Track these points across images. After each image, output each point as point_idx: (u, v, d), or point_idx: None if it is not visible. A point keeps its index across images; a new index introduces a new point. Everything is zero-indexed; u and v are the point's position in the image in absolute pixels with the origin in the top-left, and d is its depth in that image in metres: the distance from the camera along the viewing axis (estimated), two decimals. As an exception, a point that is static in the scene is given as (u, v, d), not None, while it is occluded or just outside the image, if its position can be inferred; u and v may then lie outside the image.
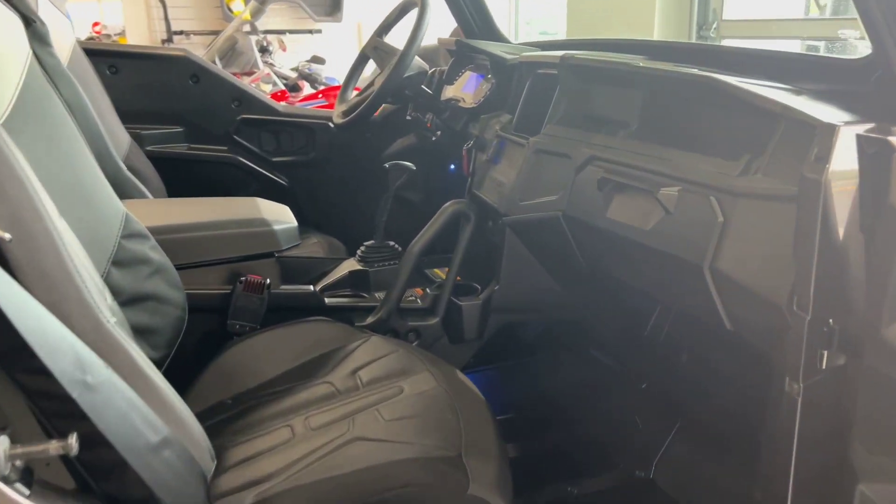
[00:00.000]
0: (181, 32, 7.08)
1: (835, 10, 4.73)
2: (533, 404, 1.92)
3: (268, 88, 4.36)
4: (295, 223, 1.52)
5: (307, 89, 5.31)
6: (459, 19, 2.34)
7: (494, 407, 1.38)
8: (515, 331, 1.97)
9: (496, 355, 1.91)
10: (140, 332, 1.25)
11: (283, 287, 1.55)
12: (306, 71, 5.48)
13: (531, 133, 1.74)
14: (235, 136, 2.34)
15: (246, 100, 2.33)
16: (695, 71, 1.33)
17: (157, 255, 1.31)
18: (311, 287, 1.61)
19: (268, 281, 1.46)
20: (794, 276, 1.04)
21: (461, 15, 2.32)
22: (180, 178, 2.24)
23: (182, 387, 1.34)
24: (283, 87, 4.45)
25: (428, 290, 1.73)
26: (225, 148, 2.34)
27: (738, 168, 1.17)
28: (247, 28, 6.12)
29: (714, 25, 4.21)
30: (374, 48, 2.16)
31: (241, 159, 2.34)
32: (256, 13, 6.12)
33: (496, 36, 2.33)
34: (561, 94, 1.62)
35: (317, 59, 6.03)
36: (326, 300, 1.61)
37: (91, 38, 7.91)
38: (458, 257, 1.65)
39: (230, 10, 7.02)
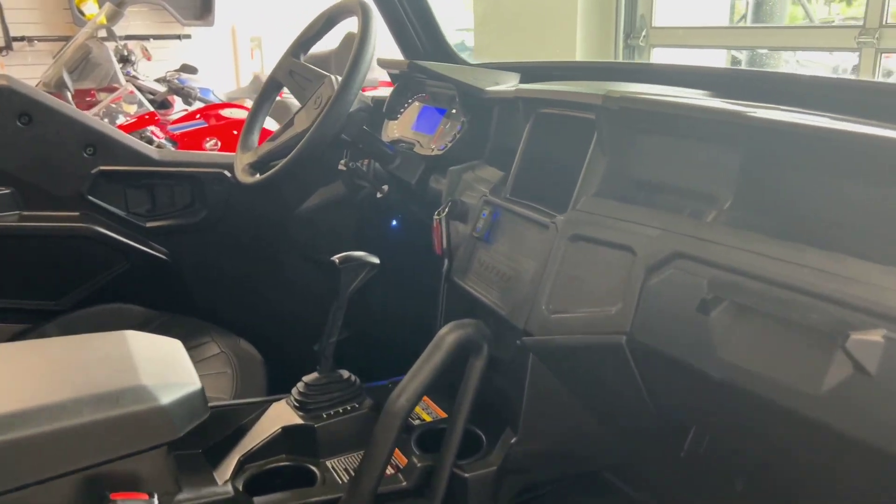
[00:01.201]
0: (23, 38, 6.05)
1: (756, 19, 4.51)
2: None
3: (132, 109, 3.59)
4: (198, 385, 0.90)
5: (179, 105, 4.53)
6: (399, 34, 1.77)
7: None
8: None
9: None
10: None
11: (182, 497, 0.92)
12: (177, 83, 4.69)
13: (538, 199, 1.21)
14: (91, 197, 1.66)
15: (104, 145, 1.65)
16: (846, 126, 0.84)
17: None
18: (229, 487, 0.99)
19: (155, 501, 0.83)
20: None
21: (401, 28, 1.75)
22: (8, 264, 1.54)
23: None
24: (151, 109, 3.68)
25: (415, 457, 1.13)
26: (76, 214, 1.65)
27: None
28: (102, 34, 5.24)
29: (643, 33, 3.84)
30: (290, 73, 1.55)
31: (101, 229, 1.66)
32: (113, 17, 5.24)
33: (449, 56, 1.78)
34: (599, 150, 1.09)
35: (188, 69, 5.23)
36: (256, 502, 1.00)
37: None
38: (465, 408, 1.08)
39: (81, 12, 6.06)
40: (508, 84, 1.52)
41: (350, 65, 1.31)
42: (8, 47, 5.98)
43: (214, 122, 3.62)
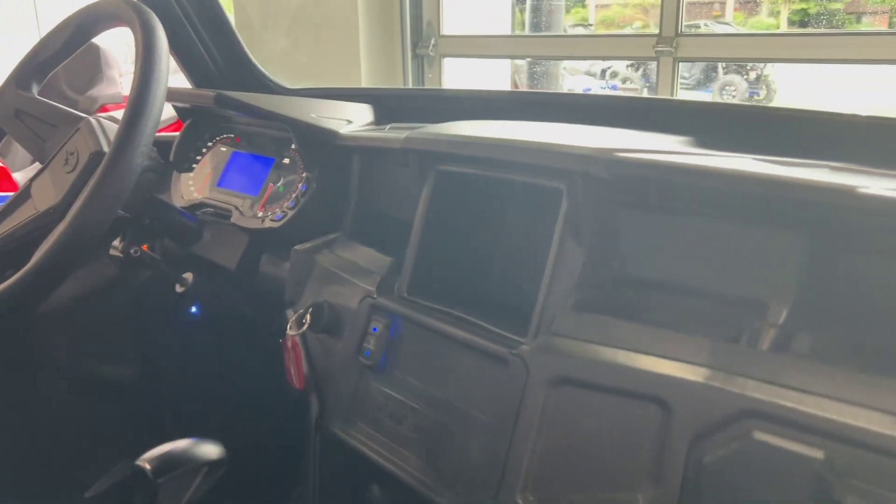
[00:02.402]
0: None
1: (534, 28, 4.46)
2: None
3: None
4: None
5: None
6: (182, 50, 1.25)
7: None
8: None
9: None
10: None
11: None
12: None
13: (455, 301, 0.80)
14: None
15: None
16: None
17: None
18: None
19: None
20: None
21: (185, 43, 1.24)
22: None
23: None
24: None
25: None
26: None
27: None
28: None
29: (432, 42, 3.56)
30: (17, 114, 0.98)
31: None
32: None
33: (257, 80, 1.29)
34: (572, 237, 0.71)
35: None
36: None
37: None
38: None
39: None
40: (364, 122, 1.09)
41: (132, 105, 0.80)
42: None
43: None
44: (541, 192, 0.73)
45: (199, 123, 1.21)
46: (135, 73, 0.82)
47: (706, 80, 7.19)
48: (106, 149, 0.89)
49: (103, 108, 3.91)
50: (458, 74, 3.82)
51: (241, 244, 1.06)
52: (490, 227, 0.86)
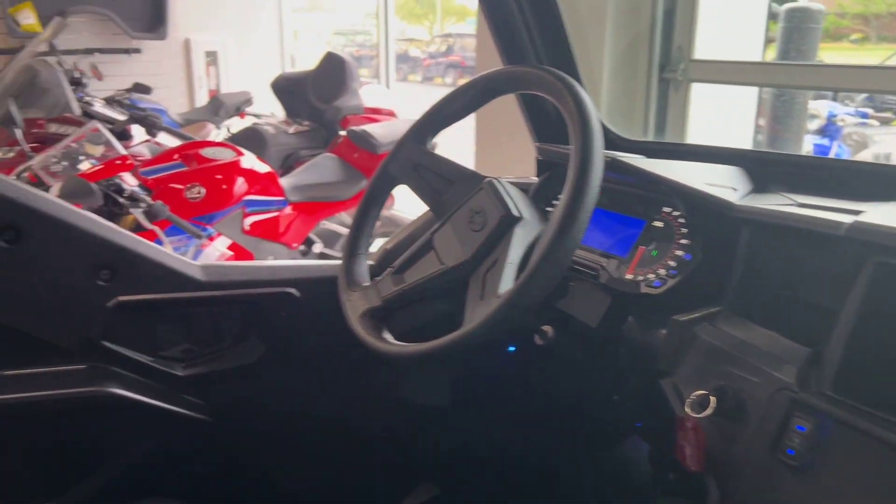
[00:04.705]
0: (-59, 52, 5.26)
1: (783, 54, 4.19)
2: None
3: (97, 151, 2.97)
4: None
5: (140, 136, 3.82)
6: (532, 114, 1.28)
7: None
8: None
9: None
10: None
11: None
12: (136, 108, 3.98)
13: (882, 405, 0.74)
14: (106, 343, 1.11)
15: (126, 264, 1.10)
16: None
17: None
18: None
19: None
20: None
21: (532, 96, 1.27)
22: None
23: None
24: (122, 151, 3.04)
25: None
26: (82, 368, 1.10)
27: None
28: (43, 48, 4.53)
29: (682, 67, 3.45)
30: (415, 168, 1.05)
31: (118, 390, 1.11)
32: (58, 29, 4.55)
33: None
34: None
35: (141, 88, 4.57)
36: None
37: None
38: None
39: (17, 22, 5.31)
40: (746, 190, 1.05)
41: (576, 183, 0.82)
42: (-73, 62, 5.19)
43: (196, 166, 3.02)
44: None
45: (557, 176, 1.23)
46: (574, 149, 0.85)
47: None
48: (516, 213, 0.93)
49: (345, 120, 4.14)
50: (700, 99, 3.68)
51: (603, 303, 1.07)
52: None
